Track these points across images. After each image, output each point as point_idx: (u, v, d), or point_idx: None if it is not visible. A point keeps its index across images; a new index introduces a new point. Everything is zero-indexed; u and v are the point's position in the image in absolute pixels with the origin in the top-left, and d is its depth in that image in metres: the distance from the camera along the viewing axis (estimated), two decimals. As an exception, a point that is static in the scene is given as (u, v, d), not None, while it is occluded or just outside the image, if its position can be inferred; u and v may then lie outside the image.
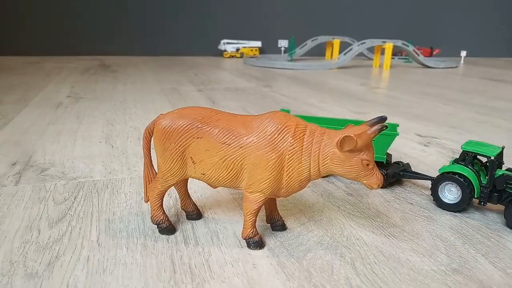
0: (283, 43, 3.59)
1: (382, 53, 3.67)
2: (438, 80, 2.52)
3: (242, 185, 0.55)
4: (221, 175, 0.54)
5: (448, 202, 0.69)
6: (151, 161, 0.59)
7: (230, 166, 0.53)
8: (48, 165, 0.85)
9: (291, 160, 0.53)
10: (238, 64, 3.19)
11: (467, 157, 0.68)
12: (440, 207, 0.70)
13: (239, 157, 0.53)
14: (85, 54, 3.53)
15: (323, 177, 0.82)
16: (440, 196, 0.70)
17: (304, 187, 0.56)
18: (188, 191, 0.64)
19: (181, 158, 0.55)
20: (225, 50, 3.76)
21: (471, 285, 0.49)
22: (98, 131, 1.13)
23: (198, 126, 0.54)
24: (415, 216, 0.67)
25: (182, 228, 0.61)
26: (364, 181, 0.53)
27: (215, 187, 0.57)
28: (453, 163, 0.70)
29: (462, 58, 3.98)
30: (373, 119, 0.54)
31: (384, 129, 0.50)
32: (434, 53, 4.29)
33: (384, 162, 0.78)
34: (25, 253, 0.53)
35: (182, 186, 0.62)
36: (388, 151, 0.93)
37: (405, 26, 4.43)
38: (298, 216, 0.66)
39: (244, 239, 0.56)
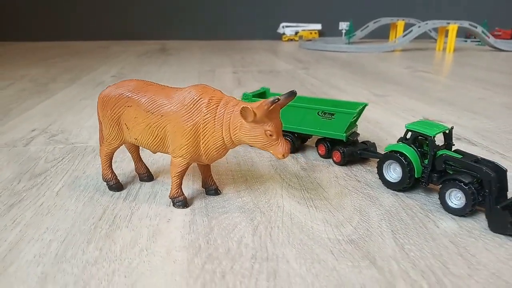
0: (344, 26, 3.51)
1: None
2: (504, 65, 2.30)
3: (169, 150, 0.62)
4: (149, 140, 0.61)
5: (391, 180, 0.69)
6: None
7: (154, 132, 0.60)
8: (58, 132, 0.99)
9: (205, 129, 0.58)
10: (293, 47, 3.20)
11: (410, 136, 0.67)
12: (385, 186, 0.70)
13: (161, 125, 0.60)
14: (151, 38, 3.79)
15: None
16: (385, 174, 0.70)
17: (223, 154, 0.61)
18: (140, 155, 0.73)
19: (117, 124, 0.63)
20: (283, 34, 3.78)
21: (355, 254, 0.51)
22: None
23: (129, 95, 0.61)
24: (352, 192, 0.68)
25: (130, 187, 0.70)
26: (271, 151, 0.57)
27: (153, 152, 0.65)
28: (398, 142, 0.69)
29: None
30: (285, 94, 0.58)
31: (276, 101, 0.54)
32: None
33: (344, 140, 0.79)
34: (-2, 197, 0.66)
35: (134, 151, 0.71)
36: (384, 131, 0.93)
37: (481, 6, 4.04)
38: (239, 184, 0.71)
39: (170, 198, 0.63)
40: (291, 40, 3.78)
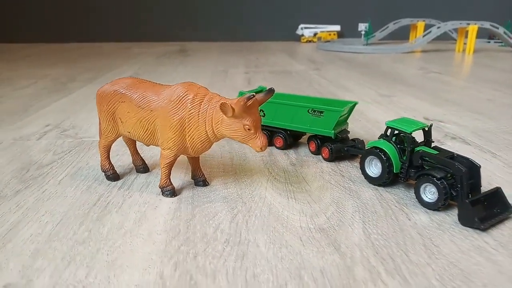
0: (363, 27, 3.50)
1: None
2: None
3: (159, 143, 0.66)
4: (140, 134, 0.66)
5: (372, 175, 0.71)
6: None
7: (145, 126, 0.65)
8: (69, 128, 1.06)
9: (190, 123, 0.63)
10: (310, 49, 3.22)
11: (390, 133, 0.69)
12: (367, 181, 0.72)
13: (151, 119, 0.64)
14: (171, 40, 3.88)
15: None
16: (367, 169, 0.72)
17: (208, 147, 0.65)
18: (137, 149, 0.78)
19: (112, 118, 0.68)
20: (302, 35, 3.80)
21: (322, 241, 0.54)
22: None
23: (122, 92, 0.66)
24: (334, 186, 0.71)
25: (127, 178, 0.75)
26: (250, 144, 0.61)
27: (147, 145, 0.69)
28: (379, 139, 0.72)
29: None
30: (265, 91, 0.62)
31: (251, 98, 0.57)
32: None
33: (333, 137, 0.82)
34: (7, 183, 0.73)
35: (131, 144, 0.76)
36: (381, 130, 0.95)
37: (506, 7, 3.93)
38: (227, 177, 0.75)
39: (159, 188, 0.68)
40: (310, 41, 3.80)
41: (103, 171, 0.74)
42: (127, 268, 0.49)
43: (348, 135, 0.86)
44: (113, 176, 0.74)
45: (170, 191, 0.67)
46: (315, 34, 3.79)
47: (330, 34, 3.76)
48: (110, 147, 0.73)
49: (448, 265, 0.49)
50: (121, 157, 0.85)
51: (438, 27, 2.91)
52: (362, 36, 3.59)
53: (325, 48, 3.14)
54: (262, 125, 0.88)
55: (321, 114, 0.82)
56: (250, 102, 0.59)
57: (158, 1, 3.81)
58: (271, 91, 0.62)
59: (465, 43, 2.99)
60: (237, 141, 0.62)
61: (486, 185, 0.71)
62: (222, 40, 3.94)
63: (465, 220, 0.58)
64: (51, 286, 0.46)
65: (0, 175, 0.76)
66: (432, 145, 0.69)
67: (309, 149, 0.87)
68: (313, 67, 2.20)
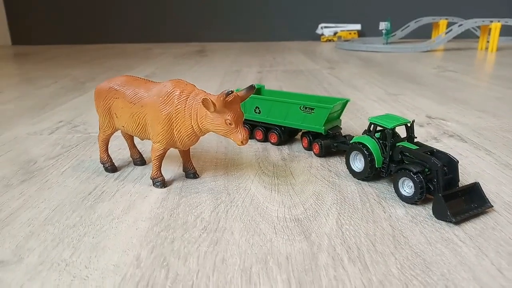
0: (383, 26, 3.46)
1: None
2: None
3: (150, 137, 0.70)
4: (133, 128, 0.71)
5: (356, 170, 0.73)
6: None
7: (137, 120, 0.69)
8: (80, 124, 1.12)
9: (177, 118, 0.66)
10: (328, 48, 3.21)
11: (372, 129, 0.71)
12: (352, 175, 0.74)
13: (142, 114, 0.69)
14: (192, 41, 3.96)
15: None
16: (351, 164, 0.74)
17: (195, 141, 0.69)
18: (135, 142, 0.82)
19: (108, 113, 0.73)
20: (322, 34, 3.80)
21: (295, 230, 0.57)
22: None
23: (117, 88, 0.71)
24: (319, 180, 0.73)
25: (124, 170, 0.79)
26: (232, 138, 0.64)
27: (141, 139, 0.74)
28: (362, 134, 0.73)
29: None
30: (245, 88, 0.65)
31: (229, 93, 0.60)
32: None
33: (323, 133, 0.84)
34: (15, 173, 0.78)
35: (128, 138, 0.81)
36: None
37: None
38: (218, 170, 0.78)
39: (151, 179, 0.72)
40: (330, 40, 3.79)
41: (101, 163, 0.78)
42: (108, 250, 0.53)
43: (341, 131, 0.88)
44: (111, 168, 0.78)
45: (160, 182, 0.71)
46: (335, 33, 3.78)
47: (350, 33, 3.75)
48: (108, 140, 0.78)
49: (412, 255, 0.51)
50: (123, 151, 0.90)
51: (460, 25, 2.86)
52: (383, 35, 3.56)
53: (343, 47, 3.13)
54: (258, 121, 0.93)
55: (312, 111, 0.85)
56: (230, 98, 0.62)
57: (179, 3, 3.89)
58: (251, 88, 0.65)
59: (488, 41, 2.92)
60: (220, 135, 0.65)
61: (472, 181, 0.71)
62: (242, 41, 3.99)
63: (438, 214, 0.59)
64: (38, 263, 0.50)
65: (10, 166, 0.82)
66: (415, 141, 0.70)
67: (302, 145, 0.90)
68: (327, 66, 2.21)
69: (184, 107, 0.66)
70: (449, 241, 0.54)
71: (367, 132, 0.73)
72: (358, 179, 0.73)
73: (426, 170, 0.63)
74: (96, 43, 3.90)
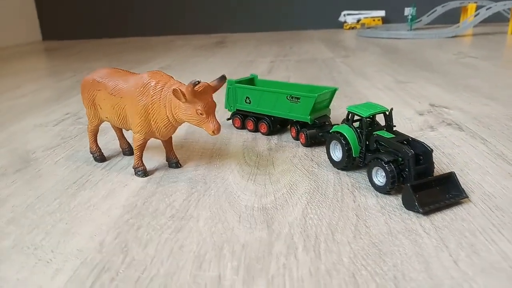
0: (409, 11, 3.35)
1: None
2: None
3: (131, 127, 0.73)
4: (115, 119, 0.73)
5: (335, 160, 0.72)
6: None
7: (117, 112, 0.72)
8: (84, 116, 1.17)
9: (153, 109, 0.68)
10: (350, 36, 3.15)
11: (350, 118, 0.70)
12: (332, 165, 0.73)
13: (121, 105, 0.71)
14: (214, 32, 3.97)
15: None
16: (331, 154, 0.73)
17: (172, 131, 0.71)
18: (123, 133, 0.85)
19: (93, 105, 0.75)
20: (345, 22, 3.72)
21: (259, 219, 0.57)
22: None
23: (99, 81, 0.73)
24: (298, 170, 0.73)
25: (113, 160, 0.82)
26: (204, 128, 0.65)
27: (126, 129, 0.76)
28: (342, 123, 0.72)
29: None
30: (217, 78, 0.65)
31: (196, 83, 0.61)
32: None
33: (309, 122, 0.83)
34: (13, 162, 0.83)
35: (117, 129, 0.83)
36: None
37: None
38: (202, 160, 0.80)
39: (133, 168, 0.74)
40: (353, 28, 3.70)
41: (91, 153, 0.82)
42: (77, 235, 0.55)
43: (330, 120, 0.87)
44: (99, 157, 0.81)
45: (141, 171, 0.73)
46: (358, 21, 3.70)
47: (374, 20, 3.65)
48: (96, 131, 0.80)
49: (369, 245, 0.50)
50: (116, 142, 0.92)
51: (488, 8, 2.72)
52: (409, 21, 3.44)
53: (364, 34, 3.06)
54: (248, 111, 0.94)
55: (298, 101, 0.84)
56: (200, 88, 0.63)
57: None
58: (222, 78, 0.66)
59: (519, 25, 2.76)
60: (194, 125, 0.66)
61: (458, 171, 0.69)
62: (264, 31, 3.97)
63: (407, 204, 0.58)
64: (10, 247, 0.54)
65: (10, 156, 0.87)
66: (394, 130, 0.69)
67: (291, 134, 0.89)
68: (343, 54, 2.17)
69: (159, 98, 0.67)
70: (412, 232, 0.53)
71: (345, 121, 0.72)
72: (337, 169, 0.72)
73: (400, 159, 0.62)
74: (122, 37, 4.00)
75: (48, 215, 0.61)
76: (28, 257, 0.51)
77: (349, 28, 3.72)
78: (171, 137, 0.75)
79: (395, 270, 0.46)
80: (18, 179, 0.75)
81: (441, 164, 0.73)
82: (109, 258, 0.50)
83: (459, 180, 0.61)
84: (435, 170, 0.65)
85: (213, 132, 0.65)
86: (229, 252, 0.50)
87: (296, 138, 0.87)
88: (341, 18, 3.74)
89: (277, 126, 0.93)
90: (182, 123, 0.69)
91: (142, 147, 0.73)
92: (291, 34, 3.55)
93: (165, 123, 0.68)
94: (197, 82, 0.62)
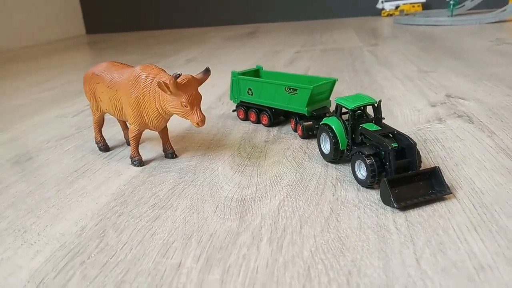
0: (452, -4, 3.18)
1: None
2: None
3: (127, 118, 0.76)
4: (113, 111, 0.76)
5: (325, 152, 0.71)
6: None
7: (114, 104, 0.75)
8: (103, 107, 1.22)
9: (144, 101, 0.70)
10: (385, 24, 3.04)
11: (338, 110, 0.68)
12: (323, 157, 0.73)
13: (117, 97, 0.74)
14: (248, 22, 3.97)
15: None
16: (322, 146, 0.72)
17: (164, 122, 0.73)
18: (127, 124, 0.88)
19: (94, 98, 0.79)
20: (382, 9, 3.59)
21: (234, 210, 0.58)
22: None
23: (98, 74, 0.77)
24: (287, 162, 0.73)
25: (116, 150, 0.86)
26: (189, 119, 0.67)
27: (124, 121, 0.79)
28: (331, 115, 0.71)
29: None
30: (202, 71, 0.67)
31: (177, 77, 0.62)
32: None
33: (306, 114, 0.83)
34: (27, 151, 0.89)
35: (121, 121, 0.87)
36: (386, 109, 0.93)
37: None
38: (198, 151, 0.81)
39: (129, 158, 0.77)
40: (391, 15, 3.57)
41: (96, 143, 0.86)
42: (64, 220, 0.59)
43: (330, 111, 0.86)
44: (104, 147, 0.85)
45: (137, 161, 0.76)
46: (397, 7, 3.55)
47: (413, 6, 3.49)
48: (100, 122, 0.84)
49: (334, 239, 0.50)
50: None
51: (537, -10, 2.52)
52: (451, 6, 3.27)
53: (401, 22, 2.94)
54: (250, 103, 0.94)
55: (296, 92, 0.83)
56: (184, 81, 0.65)
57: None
58: (206, 71, 0.67)
59: None
60: (180, 116, 0.68)
61: (453, 166, 0.66)
62: (299, 20, 3.91)
63: (384, 198, 0.56)
64: (3, 229, 0.58)
65: (25, 146, 0.93)
66: (383, 122, 0.67)
67: (291, 126, 0.89)
68: (372, 43, 2.10)
69: (149, 90, 0.69)
70: (382, 228, 0.52)
71: (334, 113, 0.70)
72: (327, 161, 0.72)
73: (383, 153, 0.60)
74: (160, 29, 4.10)
75: (44, 201, 0.66)
76: (16, 239, 0.56)
77: (387, 15, 3.58)
78: (166, 128, 0.78)
79: (352, 265, 0.45)
80: (27, 167, 0.81)
81: (437, 158, 0.70)
82: (85, 242, 0.53)
83: (443, 175, 0.58)
84: (428, 164, 0.63)
85: (197, 124, 0.66)
86: (196, 241, 0.52)
87: (295, 130, 0.87)
88: (379, 5, 3.61)
89: (279, 117, 0.93)
90: (171, 115, 0.71)
91: (137, 138, 0.76)
92: (325, 23, 3.48)
93: (155, 115, 0.71)
94: (178, 75, 0.63)
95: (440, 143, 0.77)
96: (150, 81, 0.70)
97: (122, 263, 0.49)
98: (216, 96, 1.24)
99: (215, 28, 3.77)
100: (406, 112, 0.96)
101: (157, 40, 3.10)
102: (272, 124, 0.92)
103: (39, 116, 1.17)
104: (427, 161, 0.69)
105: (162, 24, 4.11)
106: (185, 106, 0.66)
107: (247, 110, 0.97)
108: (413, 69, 1.42)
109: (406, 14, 3.31)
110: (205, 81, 0.70)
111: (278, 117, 0.92)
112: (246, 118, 0.98)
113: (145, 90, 0.70)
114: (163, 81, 0.64)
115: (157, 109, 0.70)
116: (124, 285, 0.45)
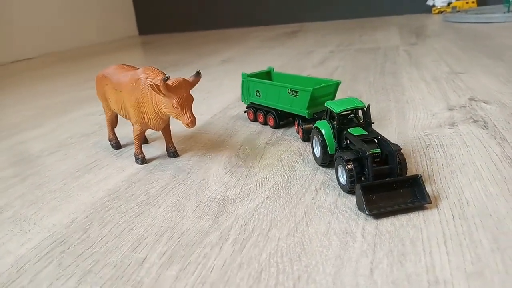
0: (511, -9, 2.96)
1: None
2: None
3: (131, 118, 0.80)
4: (120, 111, 0.81)
5: (317, 155, 0.71)
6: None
7: (119, 104, 0.79)
8: (129, 106, 1.29)
9: (143, 102, 0.74)
10: (433, 21, 2.89)
11: (327, 113, 0.67)
12: (315, 161, 0.72)
13: (121, 99, 0.78)
14: (292, 22, 3.95)
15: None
16: (314, 149, 0.72)
17: (163, 123, 0.77)
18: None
19: (104, 98, 0.84)
20: (433, 6, 3.42)
21: (212, 209, 0.60)
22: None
23: (106, 76, 0.81)
24: (280, 164, 0.74)
25: (126, 148, 0.91)
26: (180, 120, 0.69)
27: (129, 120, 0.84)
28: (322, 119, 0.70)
29: None
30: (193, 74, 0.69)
31: (165, 80, 0.65)
32: None
33: (307, 117, 0.82)
34: (50, 147, 0.96)
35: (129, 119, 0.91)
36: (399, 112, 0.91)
37: None
38: (201, 151, 0.84)
39: (134, 156, 0.81)
40: (442, 12, 3.39)
41: (109, 141, 0.91)
42: (60, 212, 0.64)
43: (333, 115, 0.85)
44: (115, 145, 0.90)
45: (140, 159, 0.80)
46: (449, 4, 3.37)
47: (467, 2, 3.29)
48: (112, 121, 0.89)
49: (296, 243, 0.50)
50: (140, 131, 1.01)
51: None
52: (504, 2, 3.05)
53: (451, 19, 2.79)
54: (258, 104, 0.95)
55: (297, 94, 0.83)
56: (175, 84, 0.67)
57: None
58: (197, 74, 0.69)
59: None
60: (173, 117, 0.70)
61: (448, 173, 0.64)
62: (345, 18, 3.84)
63: (358, 205, 0.55)
64: (7, 217, 0.64)
65: (50, 141, 1.01)
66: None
67: (295, 128, 0.89)
68: (412, 42, 2.02)
69: (148, 92, 0.73)
70: (348, 234, 0.51)
71: (324, 116, 0.70)
72: (318, 165, 0.71)
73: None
74: (207, 30, 4.20)
75: (49, 193, 0.71)
76: (15, 226, 0.61)
77: (437, 13, 3.41)
78: (169, 128, 0.81)
79: (303, 270, 0.45)
80: (46, 161, 0.88)
81: (433, 165, 0.67)
82: (71, 233, 0.58)
83: (424, 184, 0.56)
84: (421, 171, 0.60)
85: (187, 125, 0.69)
86: (167, 238, 0.54)
87: (298, 132, 0.87)
88: (429, 2, 3.44)
89: (286, 119, 0.93)
90: (168, 116, 0.74)
91: (140, 137, 0.80)
92: (371, 21, 3.39)
93: (154, 115, 0.74)
94: (166, 78, 0.66)
95: (442, 149, 0.73)
96: (149, 83, 0.73)
97: (95, 254, 0.52)
98: (236, 97, 1.26)
99: (259, 28, 3.80)
100: (420, 115, 0.92)
101: (202, 40, 3.19)
102: (278, 125, 0.92)
103: (71, 114, 1.26)
104: (421, 168, 0.67)
105: (211, 25, 4.21)
106: (176, 107, 0.68)
107: (256, 111, 0.98)
108: (444, 70, 1.35)
109: (458, 11, 3.14)
110: (197, 84, 0.72)
111: (285, 119, 0.93)
112: (255, 119, 0.99)
113: (144, 91, 0.73)
114: (154, 83, 0.67)
115: (155, 110, 0.73)
116: (90, 274, 0.48)
